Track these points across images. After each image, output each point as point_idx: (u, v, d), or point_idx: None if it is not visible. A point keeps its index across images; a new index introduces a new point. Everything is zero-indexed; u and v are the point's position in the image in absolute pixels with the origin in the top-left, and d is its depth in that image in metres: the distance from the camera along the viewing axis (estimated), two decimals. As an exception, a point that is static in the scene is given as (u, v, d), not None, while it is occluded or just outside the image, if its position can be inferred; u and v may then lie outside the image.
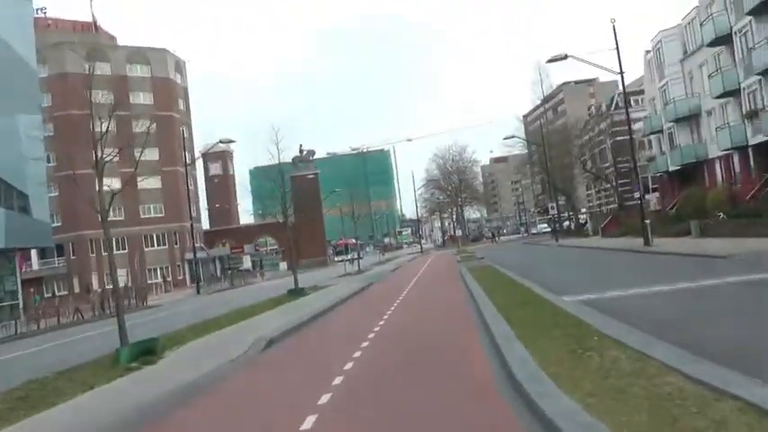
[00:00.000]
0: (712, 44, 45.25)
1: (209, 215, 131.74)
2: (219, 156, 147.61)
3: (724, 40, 43.77)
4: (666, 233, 40.95)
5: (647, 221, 36.92)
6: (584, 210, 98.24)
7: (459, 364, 10.51)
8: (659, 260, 27.98)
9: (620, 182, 74.28)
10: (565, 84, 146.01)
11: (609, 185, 79.93)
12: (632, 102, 77.16)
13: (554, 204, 71.00)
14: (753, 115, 40.60)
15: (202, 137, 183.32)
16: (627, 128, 74.25)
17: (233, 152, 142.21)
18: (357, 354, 12.59)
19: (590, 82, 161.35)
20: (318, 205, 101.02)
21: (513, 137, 76.68)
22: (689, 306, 13.64)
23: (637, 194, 39.47)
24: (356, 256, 59.36)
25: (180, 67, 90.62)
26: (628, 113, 40.80)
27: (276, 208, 35.26)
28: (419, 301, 22.90)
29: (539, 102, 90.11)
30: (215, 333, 18.69)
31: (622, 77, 38.86)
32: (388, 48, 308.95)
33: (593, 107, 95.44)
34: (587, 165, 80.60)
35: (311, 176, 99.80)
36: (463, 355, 11.28)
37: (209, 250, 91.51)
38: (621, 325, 10.96)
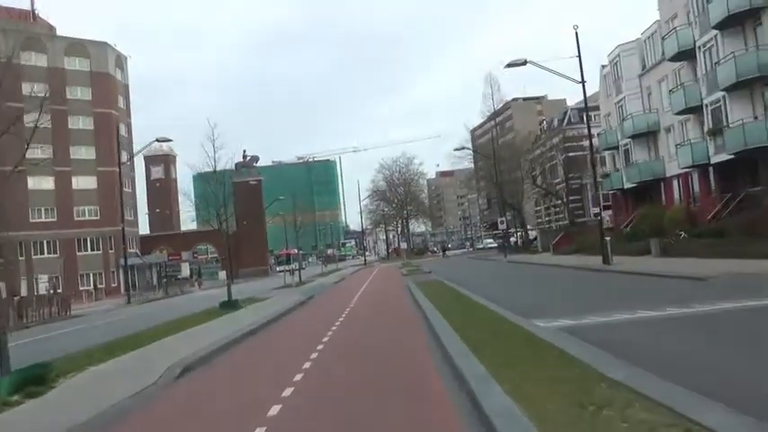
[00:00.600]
0: (674, 59, 43.77)
1: (150, 220, 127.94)
2: (162, 159, 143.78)
3: (686, 54, 42.27)
4: (623, 251, 38.92)
5: (608, 239, 34.96)
6: (529, 226, 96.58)
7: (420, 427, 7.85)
8: (627, 280, 25.87)
9: (571, 198, 72.79)
10: (513, 100, 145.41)
11: (559, 202, 78.43)
12: (584, 118, 76.15)
13: (504, 219, 69.06)
14: (716, 133, 39.01)
15: (145, 141, 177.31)
16: (579, 144, 73.59)
17: (176, 156, 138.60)
18: (286, 392, 10.00)
19: (538, 99, 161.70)
20: (261, 213, 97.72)
21: (463, 148, 74.86)
22: (699, 339, 11.35)
23: (595, 210, 37.53)
24: (297, 267, 56.52)
25: (121, 62, 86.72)
26: (588, 125, 38.69)
27: (215, 214, 32.38)
28: (364, 321, 20.31)
29: (489, 114, 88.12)
30: (129, 354, 15.89)
31: (584, 86, 36.81)
32: (338, 57, 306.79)
33: (544, 122, 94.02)
34: (538, 180, 79.01)
35: (254, 183, 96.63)
36: (425, 410, 8.56)
37: (145, 257, 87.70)
38: (628, 365, 8.55)
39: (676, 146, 44.56)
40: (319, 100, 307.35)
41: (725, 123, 38.02)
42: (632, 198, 54.16)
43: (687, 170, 44.08)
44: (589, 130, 39.00)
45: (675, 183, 47.54)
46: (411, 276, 44.47)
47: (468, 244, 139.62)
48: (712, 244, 32.79)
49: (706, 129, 40.41)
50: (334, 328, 18.35)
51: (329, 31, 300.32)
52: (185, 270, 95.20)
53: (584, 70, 36.62)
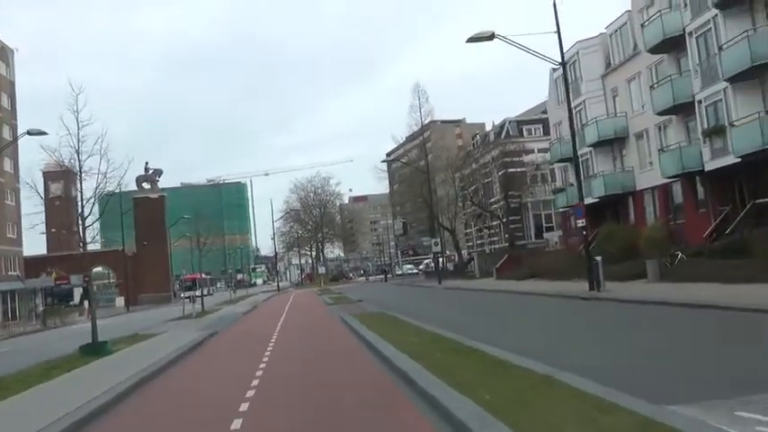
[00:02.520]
0: (656, 50, 36.91)
1: (48, 240, 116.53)
2: (62, 175, 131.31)
3: (671, 44, 35.51)
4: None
5: (598, 259, 27.47)
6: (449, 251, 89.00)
7: None
8: (675, 315, 18.05)
9: (510, 219, 65.72)
10: (432, 122, 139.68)
11: (495, 223, 71.31)
12: (524, 131, 69.80)
13: (437, 240, 61.41)
14: (715, 132, 32.17)
15: (45, 157, 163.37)
16: (519, 159, 66.82)
17: (77, 173, 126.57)
18: None
19: (457, 123, 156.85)
20: (164, 233, 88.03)
21: (393, 160, 67.16)
22: None
23: (580, 222, 29.99)
24: (198, 294, 47.32)
25: (5, 55, 75.64)
26: (571, 116, 31.25)
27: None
28: (297, 390, 12.21)
29: (415, 127, 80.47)
30: None
31: (564, 67, 29.77)
32: (251, 81, 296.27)
33: (477, 136, 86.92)
34: (473, 198, 71.55)
35: (155, 197, 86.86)
36: None
37: (30, 280, 76.77)
38: None
39: (659, 151, 37.42)
40: (233, 124, 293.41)
41: (726, 121, 31.25)
42: (590, 216, 46.92)
43: (671, 180, 37.21)
44: (572, 123, 31.37)
45: (649, 196, 40.81)
46: (338, 306, 36.47)
47: (386, 270, 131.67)
48: (725, 266, 25.85)
49: (700, 129, 33.52)
50: (242, 408, 10.09)
51: (244, 55, 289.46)
52: (77, 296, 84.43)
53: (559, 51, 29.42)
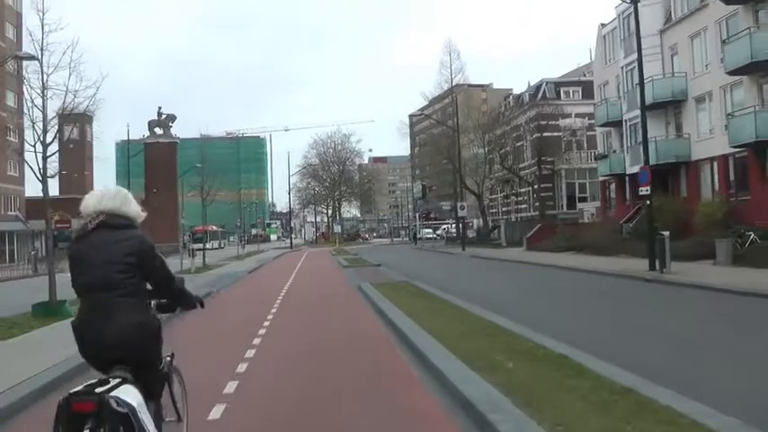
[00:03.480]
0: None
1: (60, 183, 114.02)
2: (77, 118, 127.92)
3: (749, -8, 31.09)
4: (640, 253, 26.68)
5: (666, 234, 23.19)
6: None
7: None
8: None
9: (542, 186, 61.47)
10: (457, 86, 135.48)
11: (524, 190, 67.14)
12: (562, 94, 65.33)
13: (463, 204, 57.39)
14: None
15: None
16: (555, 123, 62.44)
17: (92, 117, 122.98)
18: None
19: (483, 87, 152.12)
20: (174, 181, 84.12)
21: (421, 114, 63.03)
22: None
23: (644, 189, 25.46)
24: (199, 247, 43.63)
25: (9, -18, 71.17)
26: (641, 60, 26.61)
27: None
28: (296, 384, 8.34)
29: (445, 85, 76.62)
30: None
31: (636, 6, 25.33)
32: (271, 34, 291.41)
33: (510, 96, 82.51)
34: (503, 162, 67.05)
35: (167, 143, 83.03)
36: None
37: (32, 222, 73.18)
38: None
39: (728, 116, 33.02)
40: (255, 80, 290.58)
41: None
42: (633, 187, 42.71)
43: (735, 151, 32.92)
44: (640, 68, 26.71)
45: (707, 167, 36.56)
46: (355, 270, 32.71)
47: (404, 233, 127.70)
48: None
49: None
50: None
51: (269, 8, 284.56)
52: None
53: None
